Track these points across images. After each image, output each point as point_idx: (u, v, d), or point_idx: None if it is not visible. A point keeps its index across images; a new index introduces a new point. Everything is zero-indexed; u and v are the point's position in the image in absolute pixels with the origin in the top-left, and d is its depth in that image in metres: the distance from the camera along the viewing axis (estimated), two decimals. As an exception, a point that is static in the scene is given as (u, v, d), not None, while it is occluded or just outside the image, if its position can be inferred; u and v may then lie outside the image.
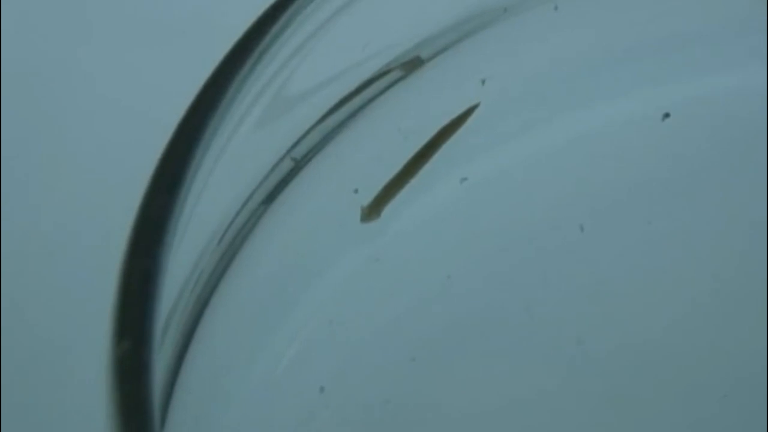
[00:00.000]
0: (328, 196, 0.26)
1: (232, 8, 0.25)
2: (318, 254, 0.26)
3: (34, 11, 0.33)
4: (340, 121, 0.26)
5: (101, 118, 0.32)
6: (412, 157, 0.27)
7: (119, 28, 0.33)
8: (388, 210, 0.27)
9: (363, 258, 0.26)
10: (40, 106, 0.32)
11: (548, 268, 0.27)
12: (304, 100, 0.25)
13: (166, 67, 0.31)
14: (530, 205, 0.27)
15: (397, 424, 0.25)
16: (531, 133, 0.28)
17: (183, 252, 0.21)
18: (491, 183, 0.27)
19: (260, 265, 0.25)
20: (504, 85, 0.27)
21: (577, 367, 0.26)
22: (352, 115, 0.26)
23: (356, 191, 0.26)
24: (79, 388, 0.25)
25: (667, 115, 0.28)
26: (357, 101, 0.26)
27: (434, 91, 0.27)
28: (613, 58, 0.28)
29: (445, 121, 0.27)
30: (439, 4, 0.27)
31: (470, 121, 0.27)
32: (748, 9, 0.28)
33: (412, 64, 0.27)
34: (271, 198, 0.26)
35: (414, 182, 0.27)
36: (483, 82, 0.27)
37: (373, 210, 0.27)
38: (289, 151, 0.26)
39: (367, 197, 0.26)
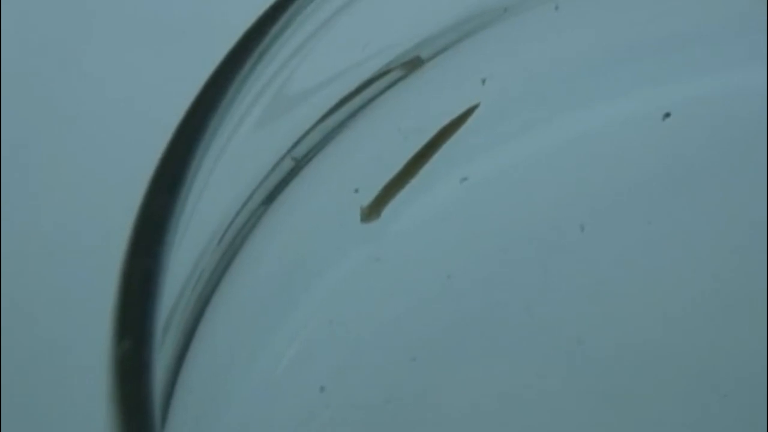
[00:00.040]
0: (329, 195, 0.26)
1: (233, 8, 0.25)
2: (318, 254, 0.26)
3: (34, 11, 0.33)
4: (341, 121, 0.26)
5: (102, 118, 0.32)
6: (412, 158, 0.27)
7: (119, 28, 0.33)
8: (388, 210, 0.27)
9: (363, 258, 0.26)
10: (41, 106, 0.32)
11: (549, 268, 0.27)
12: (305, 100, 0.25)
13: (166, 67, 0.31)
14: (531, 205, 0.27)
15: (397, 424, 0.25)
16: (531, 132, 0.28)
17: (183, 251, 0.21)
18: (492, 183, 0.27)
19: (261, 264, 0.25)
20: (504, 84, 0.27)
21: (577, 367, 0.26)
22: (353, 115, 0.26)
23: (357, 191, 0.26)
24: (79, 388, 0.25)
25: (667, 115, 0.28)
26: (357, 101, 0.26)
27: (434, 91, 0.27)
28: (613, 58, 0.28)
29: (445, 120, 0.27)
30: (439, 3, 0.27)
31: (471, 121, 0.27)
32: (748, 9, 0.28)
33: (412, 64, 0.27)
34: (271, 198, 0.26)
35: (414, 182, 0.27)
36: (483, 81, 0.27)
37: (373, 210, 0.27)
38: (289, 150, 0.26)
39: (368, 197, 0.26)
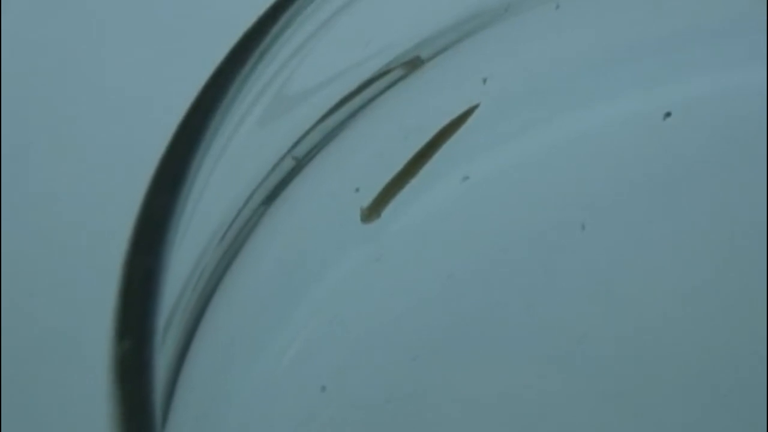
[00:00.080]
0: (329, 195, 0.26)
1: (234, 8, 0.25)
2: (319, 253, 0.26)
3: (34, 11, 0.33)
4: (342, 121, 0.26)
5: (103, 118, 0.32)
6: (412, 158, 0.27)
7: (120, 27, 0.33)
8: (389, 209, 0.27)
9: (364, 257, 0.26)
10: (42, 105, 0.32)
11: (550, 267, 0.27)
12: (306, 100, 0.25)
13: (167, 67, 0.31)
14: (532, 204, 0.27)
15: (398, 423, 0.25)
16: (532, 132, 0.28)
17: (184, 250, 0.21)
18: (493, 182, 0.27)
19: (262, 263, 0.25)
20: (505, 84, 0.27)
21: (578, 366, 0.26)
22: (353, 115, 0.26)
23: (357, 190, 0.26)
24: (80, 387, 0.25)
25: (668, 115, 0.28)
26: (358, 100, 0.26)
27: (435, 90, 0.27)
28: (614, 58, 0.28)
29: (446, 120, 0.27)
30: (440, 3, 0.27)
31: (472, 120, 0.27)
32: (748, 9, 0.28)
33: (412, 64, 0.27)
34: (272, 197, 0.26)
35: (415, 181, 0.27)
36: (484, 81, 0.27)
37: (372, 211, 0.27)
38: (290, 150, 0.26)
39: (369, 196, 0.26)
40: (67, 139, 0.31)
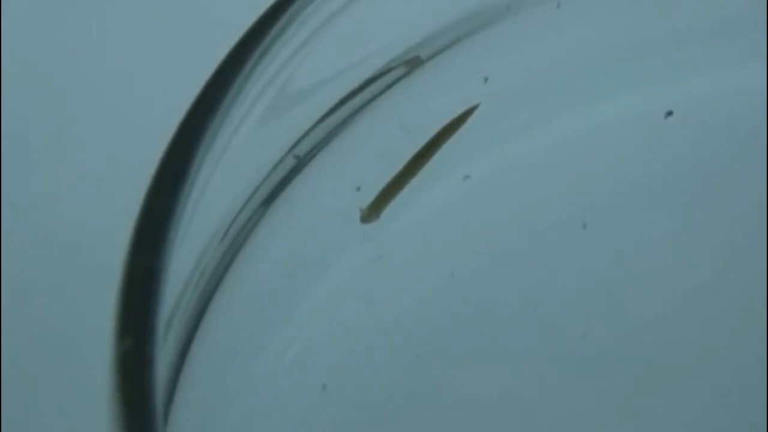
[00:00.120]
0: (331, 193, 0.26)
1: (235, 7, 0.25)
2: (321, 251, 0.26)
3: (34, 11, 0.33)
4: (343, 119, 0.26)
5: (103, 118, 0.32)
6: (412, 158, 0.27)
7: (120, 27, 0.33)
8: (390, 207, 0.27)
9: (366, 255, 0.26)
10: (42, 105, 0.32)
11: (551, 265, 0.27)
12: (307, 98, 0.25)
13: (168, 66, 0.31)
14: (532, 204, 0.27)
15: (399, 422, 0.25)
16: (534, 130, 0.28)
17: (186, 249, 0.21)
18: (494, 180, 0.27)
19: (263, 262, 0.25)
20: (506, 83, 0.27)
21: (578, 365, 0.26)
22: (355, 113, 0.26)
23: (359, 189, 0.26)
24: (81, 386, 0.25)
25: (669, 114, 0.28)
26: (359, 99, 0.27)
27: (436, 89, 0.27)
28: (614, 57, 0.28)
29: (447, 118, 0.27)
30: (441, 2, 0.27)
31: (473, 119, 0.27)
32: (748, 9, 0.28)
33: (413, 62, 0.27)
34: (273, 195, 0.26)
35: (416, 181, 0.27)
36: (485, 80, 0.27)
37: (372, 211, 0.27)
38: (291, 148, 0.26)
39: (370, 195, 0.26)
40: (67, 139, 0.31)
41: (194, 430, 0.24)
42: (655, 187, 0.28)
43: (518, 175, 0.28)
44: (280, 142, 0.25)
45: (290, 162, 0.26)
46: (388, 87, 0.27)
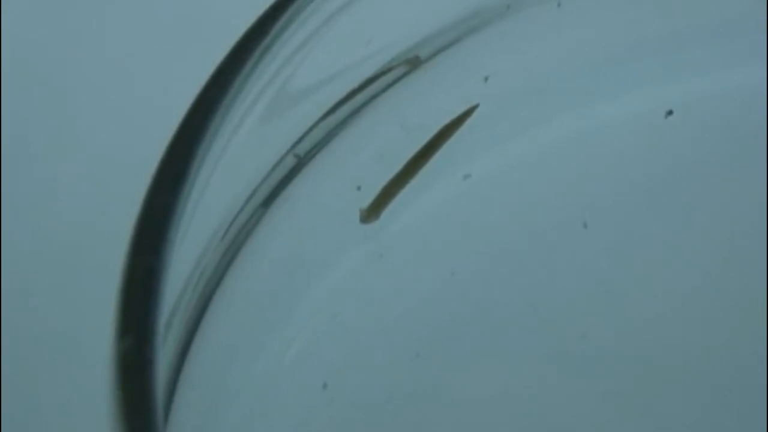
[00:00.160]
0: (331, 192, 0.26)
1: (234, 7, 0.25)
2: (321, 251, 0.26)
3: (34, 11, 0.33)
4: (343, 118, 0.26)
5: (103, 118, 0.32)
6: (412, 158, 0.27)
7: (120, 27, 0.33)
8: (391, 207, 0.27)
9: (366, 254, 0.26)
10: (42, 105, 0.32)
11: (552, 264, 0.27)
12: (307, 97, 0.25)
13: (167, 67, 0.31)
14: (532, 203, 0.27)
15: (400, 421, 0.25)
16: (534, 129, 0.28)
17: (186, 248, 0.21)
18: (494, 180, 0.27)
19: (263, 261, 0.25)
20: (507, 82, 0.27)
21: (579, 364, 0.26)
22: (355, 112, 0.26)
23: (359, 188, 0.26)
24: (82, 386, 0.25)
25: (670, 113, 0.28)
26: (360, 98, 0.27)
27: (437, 89, 0.27)
28: (614, 57, 0.28)
29: (448, 117, 0.27)
30: (441, 1, 0.27)
31: (473, 118, 0.27)
32: (748, 9, 0.28)
33: (414, 61, 0.27)
34: (274, 195, 0.26)
35: (416, 180, 0.27)
36: (486, 79, 0.27)
37: (371, 212, 0.27)
38: (292, 147, 0.26)
39: (370, 194, 0.26)
40: (67, 139, 0.31)
41: (194, 430, 0.24)
42: (655, 187, 0.28)
43: (518, 174, 0.28)
44: (280, 141, 0.25)
45: (290, 161, 0.26)
46: (389, 86, 0.27)
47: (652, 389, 0.25)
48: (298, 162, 0.26)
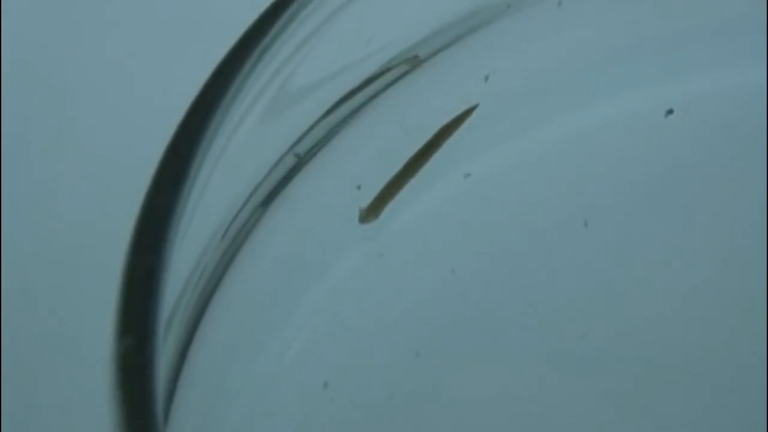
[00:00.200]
0: (331, 192, 0.26)
1: (234, 7, 0.25)
2: (322, 250, 0.26)
3: (34, 11, 0.33)
4: (343, 117, 0.26)
5: (103, 118, 0.32)
6: (412, 157, 0.27)
7: (120, 27, 0.33)
8: (391, 206, 0.27)
9: (367, 253, 0.26)
10: (42, 105, 0.32)
11: (552, 263, 0.27)
12: (308, 96, 0.25)
13: (167, 67, 0.31)
14: (534, 201, 0.27)
15: (401, 420, 0.25)
16: (535, 128, 0.28)
17: (186, 248, 0.21)
18: (495, 179, 0.27)
19: (263, 260, 0.25)
20: (507, 81, 0.27)
21: (580, 363, 0.26)
22: (355, 112, 0.27)
23: (359, 187, 0.26)
24: (82, 385, 0.25)
25: (670, 112, 0.28)
26: (360, 97, 0.27)
27: (437, 88, 0.27)
28: (614, 57, 0.28)
29: (447, 117, 0.27)
30: (441, 0, 0.27)
31: (474, 117, 0.27)
32: (748, 9, 0.28)
33: (414, 61, 0.27)
34: (274, 194, 0.26)
35: (418, 178, 0.27)
36: (486, 78, 0.27)
37: (371, 212, 0.27)
38: (292, 147, 0.26)
39: (370, 193, 0.26)
40: (67, 139, 0.31)
41: (194, 430, 0.24)
42: (655, 187, 0.28)
43: (518, 174, 0.28)
44: (280, 140, 0.26)
45: (290, 161, 0.26)
46: (389, 86, 0.27)
47: (652, 389, 0.25)
48: (298, 161, 0.26)
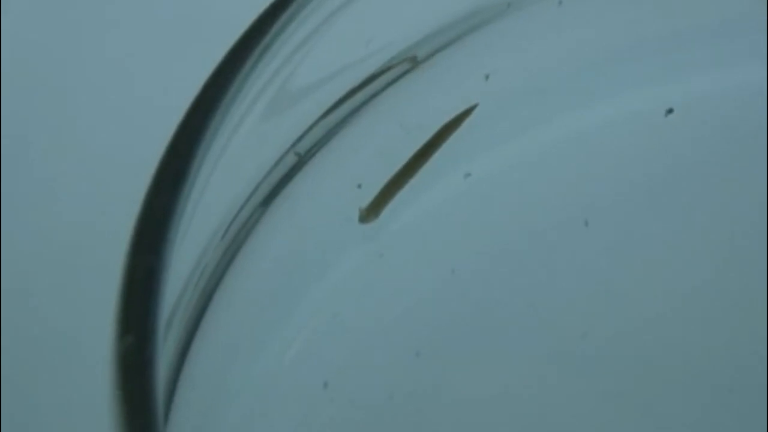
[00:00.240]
0: (332, 191, 0.26)
1: (234, 6, 0.25)
2: (322, 249, 0.26)
3: (34, 11, 0.33)
4: (344, 117, 0.26)
5: (103, 118, 0.32)
6: (412, 156, 0.27)
7: (120, 27, 0.33)
8: (391, 206, 0.27)
9: (367, 253, 0.26)
10: (42, 105, 0.32)
11: (552, 263, 0.27)
12: (308, 96, 0.25)
13: (167, 66, 0.31)
14: (534, 201, 0.27)
15: (401, 420, 0.25)
16: (535, 128, 0.28)
17: (186, 248, 0.21)
18: (495, 178, 0.27)
19: (264, 260, 0.25)
20: (508, 80, 0.27)
21: (580, 363, 0.26)
22: (356, 111, 0.27)
23: (359, 186, 0.26)
24: (82, 385, 0.25)
25: (670, 111, 0.28)
26: (360, 97, 0.27)
27: (437, 87, 0.27)
28: (614, 57, 0.28)
29: (447, 116, 0.27)
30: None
31: (473, 118, 0.27)
32: (748, 9, 0.28)
33: (414, 60, 0.27)
34: (274, 193, 0.26)
35: (418, 178, 0.27)
36: (486, 77, 0.27)
37: (371, 211, 0.27)
38: (292, 146, 0.26)
39: (371, 192, 0.26)
40: (67, 139, 0.31)
41: (194, 430, 0.24)
42: (655, 187, 0.28)
43: (519, 173, 0.28)
44: (281, 140, 0.26)
45: (290, 160, 0.26)
46: (389, 85, 0.27)
47: (652, 389, 0.25)
48: (299, 161, 0.26)
